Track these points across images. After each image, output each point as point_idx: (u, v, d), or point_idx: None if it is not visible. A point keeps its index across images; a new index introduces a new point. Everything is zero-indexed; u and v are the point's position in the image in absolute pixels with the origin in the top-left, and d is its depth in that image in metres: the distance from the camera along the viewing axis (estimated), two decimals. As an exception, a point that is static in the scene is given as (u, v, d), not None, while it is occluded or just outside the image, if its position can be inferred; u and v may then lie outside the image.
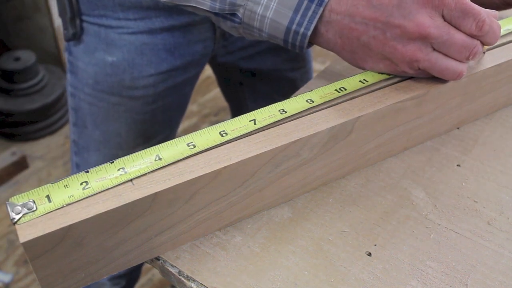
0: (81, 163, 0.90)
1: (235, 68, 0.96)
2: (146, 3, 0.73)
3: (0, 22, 2.07)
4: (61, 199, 0.41)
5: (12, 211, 0.40)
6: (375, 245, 0.49)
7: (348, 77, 0.54)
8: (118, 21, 0.76)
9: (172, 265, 0.47)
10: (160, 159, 0.44)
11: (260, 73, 0.97)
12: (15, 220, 0.40)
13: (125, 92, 0.80)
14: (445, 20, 0.49)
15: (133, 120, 0.83)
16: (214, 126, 0.49)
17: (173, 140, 0.46)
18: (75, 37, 0.79)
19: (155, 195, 0.42)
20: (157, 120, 0.85)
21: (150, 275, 1.49)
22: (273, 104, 0.51)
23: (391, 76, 0.54)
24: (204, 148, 0.45)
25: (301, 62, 0.98)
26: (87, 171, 0.43)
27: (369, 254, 0.48)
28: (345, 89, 0.53)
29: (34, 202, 0.41)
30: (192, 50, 0.80)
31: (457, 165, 0.57)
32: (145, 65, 0.78)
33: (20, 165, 1.82)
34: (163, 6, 0.74)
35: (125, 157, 0.44)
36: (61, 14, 0.78)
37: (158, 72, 0.80)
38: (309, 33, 0.52)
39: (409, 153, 0.58)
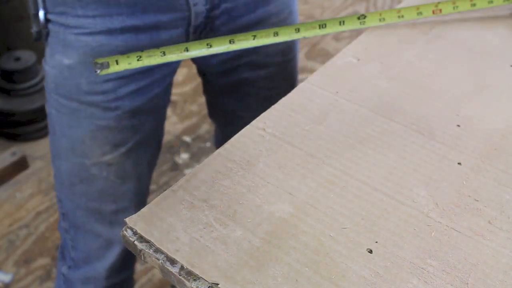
0: (56, 171, 0.86)
1: (212, 81, 0.92)
2: None
3: (0, 22, 2.07)
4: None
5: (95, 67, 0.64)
6: (376, 242, 0.49)
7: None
8: (77, 19, 0.71)
9: (172, 265, 0.47)
10: None
11: (233, 89, 0.92)
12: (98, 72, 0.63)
13: (83, 98, 0.76)
14: None
15: (96, 126, 0.78)
16: None
17: None
18: (40, 36, 0.75)
19: None
20: (125, 126, 0.80)
21: (150, 275, 1.49)
22: None
23: None
24: None
25: (284, 82, 0.93)
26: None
27: (370, 251, 0.48)
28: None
29: (108, 63, 0.63)
30: None
31: (458, 164, 0.56)
32: None
33: (20, 165, 1.81)
34: (125, 2, 0.69)
35: None
36: (28, 10, 0.74)
37: (119, 77, 0.75)
38: None
39: (410, 150, 0.58)
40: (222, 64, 0.86)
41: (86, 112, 0.77)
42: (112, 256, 0.90)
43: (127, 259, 0.94)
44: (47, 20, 0.74)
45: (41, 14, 0.73)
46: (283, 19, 0.84)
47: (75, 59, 0.73)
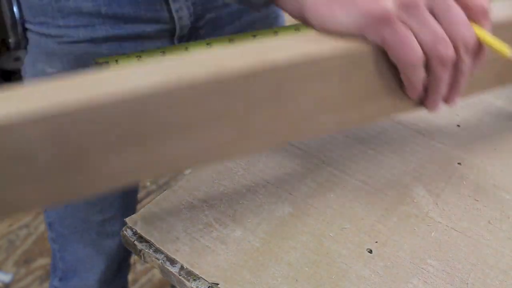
0: None
1: None
2: (87, 9, 0.68)
3: (0, 22, 2.08)
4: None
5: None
6: (376, 242, 0.49)
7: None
8: (59, 29, 0.69)
9: (172, 265, 0.47)
10: None
11: None
12: None
13: None
14: None
15: None
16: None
17: None
18: (19, 46, 0.73)
19: None
20: None
21: (150, 275, 1.49)
22: None
23: None
24: None
25: None
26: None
27: (370, 251, 0.48)
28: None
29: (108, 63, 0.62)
30: None
31: (458, 163, 0.57)
32: None
33: (20, 165, 1.82)
34: (106, 14, 0.68)
35: None
36: (5, 20, 0.72)
37: None
38: None
39: (410, 150, 0.58)
40: None
41: None
42: (101, 266, 0.88)
43: (119, 269, 0.94)
44: (25, 29, 0.72)
45: (19, 24, 0.72)
46: (269, 25, 0.83)
47: (59, 68, 0.72)
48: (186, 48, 0.64)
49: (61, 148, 0.35)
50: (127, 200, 0.88)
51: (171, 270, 0.47)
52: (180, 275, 0.46)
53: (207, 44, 0.64)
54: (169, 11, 0.70)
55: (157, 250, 0.48)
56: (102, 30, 0.69)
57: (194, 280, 0.45)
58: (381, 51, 0.44)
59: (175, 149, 0.40)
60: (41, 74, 0.73)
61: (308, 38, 0.43)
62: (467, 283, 0.45)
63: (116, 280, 0.94)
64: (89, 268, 0.89)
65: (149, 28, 0.71)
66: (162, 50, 0.63)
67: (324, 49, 0.42)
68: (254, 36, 0.65)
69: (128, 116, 0.36)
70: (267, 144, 0.46)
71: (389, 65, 0.45)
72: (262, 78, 0.41)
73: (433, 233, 0.49)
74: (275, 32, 0.65)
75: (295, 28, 0.66)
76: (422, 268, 0.47)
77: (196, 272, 0.45)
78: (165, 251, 0.47)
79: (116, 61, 0.62)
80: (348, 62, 0.44)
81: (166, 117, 0.38)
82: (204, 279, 0.45)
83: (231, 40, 0.63)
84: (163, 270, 0.48)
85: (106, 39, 0.70)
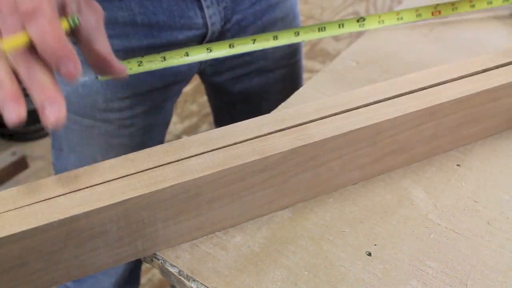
0: None
1: (222, 90, 0.91)
2: (123, 18, 0.68)
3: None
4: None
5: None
6: (375, 245, 0.49)
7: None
8: None
9: (172, 265, 0.47)
10: None
11: (244, 95, 0.91)
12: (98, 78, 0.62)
13: (98, 115, 0.74)
14: None
15: (108, 144, 0.77)
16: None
17: None
18: None
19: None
20: (137, 143, 0.79)
21: (150, 275, 1.49)
22: None
23: None
24: None
25: (291, 83, 0.93)
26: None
27: (369, 254, 0.48)
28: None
29: None
30: (175, 71, 0.74)
31: (457, 165, 0.57)
32: (120, 86, 0.72)
33: (20, 165, 1.82)
34: (142, 22, 0.69)
35: None
36: None
37: (135, 94, 0.74)
38: None
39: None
40: (230, 71, 0.86)
41: (100, 129, 0.76)
42: (118, 269, 0.88)
43: (133, 275, 0.94)
44: None
45: None
46: (288, 24, 0.84)
47: (91, 76, 0.71)
48: (187, 54, 0.64)
49: (126, 222, 0.43)
50: None
51: (171, 270, 0.47)
52: (180, 275, 0.46)
53: (207, 49, 0.64)
54: (203, 17, 0.71)
55: (158, 257, 0.48)
56: (136, 40, 0.70)
57: (194, 280, 0.46)
58: (400, 121, 0.51)
59: (222, 213, 0.48)
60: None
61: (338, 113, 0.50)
62: (466, 284, 0.46)
63: (130, 284, 0.94)
64: (106, 270, 0.89)
65: (181, 35, 0.72)
66: (163, 56, 0.63)
67: (352, 123, 0.49)
68: (254, 40, 0.65)
69: (185, 195, 0.44)
70: (301, 200, 0.52)
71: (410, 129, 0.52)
72: (299, 153, 0.47)
73: (432, 235, 0.50)
74: (275, 37, 0.65)
75: (295, 32, 0.66)
76: (421, 270, 0.47)
77: (197, 278, 0.46)
78: (166, 258, 0.47)
79: None
80: (374, 131, 0.50)
81: (215, 191, 0.46)
82: (204, 285, 0.45)
83: (231, 45, 0.64)
84: (163, 270, 0.48)
85: (140, 49, 0.70)
